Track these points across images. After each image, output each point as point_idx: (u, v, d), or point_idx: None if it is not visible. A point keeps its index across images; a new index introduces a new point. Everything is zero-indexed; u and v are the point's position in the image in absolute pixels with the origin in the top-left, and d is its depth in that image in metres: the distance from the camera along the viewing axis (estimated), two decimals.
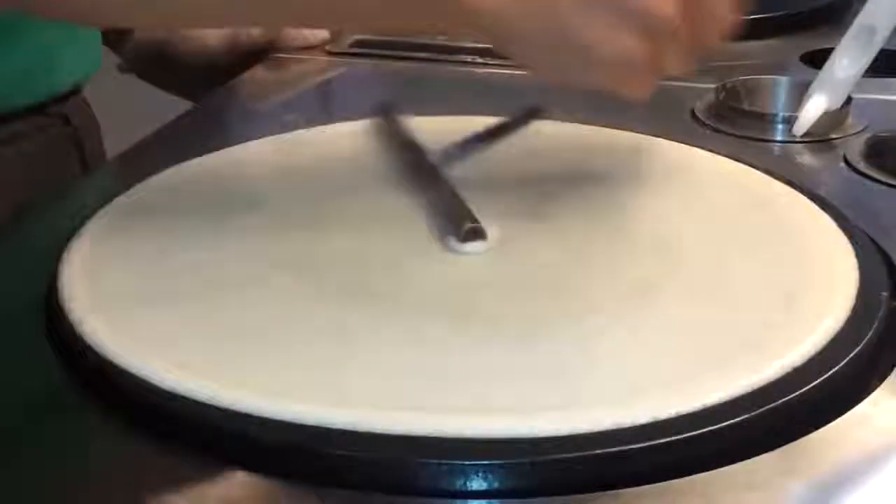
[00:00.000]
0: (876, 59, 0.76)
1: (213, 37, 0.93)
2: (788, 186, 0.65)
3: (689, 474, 0.44)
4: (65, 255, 0.58)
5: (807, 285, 0.55)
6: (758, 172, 0.67)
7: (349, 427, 0.45)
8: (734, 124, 0.78)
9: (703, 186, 0.66)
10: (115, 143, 0.86)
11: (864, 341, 0.51)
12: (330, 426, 0.45)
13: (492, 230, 0.58)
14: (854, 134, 0.76)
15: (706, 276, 0.56)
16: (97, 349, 0.50)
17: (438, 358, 0.49)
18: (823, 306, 0.53)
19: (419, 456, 0.44)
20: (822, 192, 0.64)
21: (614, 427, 0.44)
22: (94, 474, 0.46)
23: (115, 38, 0.95)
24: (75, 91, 0.84)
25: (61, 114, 0.82)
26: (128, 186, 0.66)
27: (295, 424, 0.45)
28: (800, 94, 0.78)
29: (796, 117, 0.76)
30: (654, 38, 0.51)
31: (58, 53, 0.79)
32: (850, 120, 0.78)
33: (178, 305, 0.53)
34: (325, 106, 0.90)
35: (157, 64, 0.96)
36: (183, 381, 0.47)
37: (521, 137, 0.72)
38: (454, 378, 0.48)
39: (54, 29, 0.78)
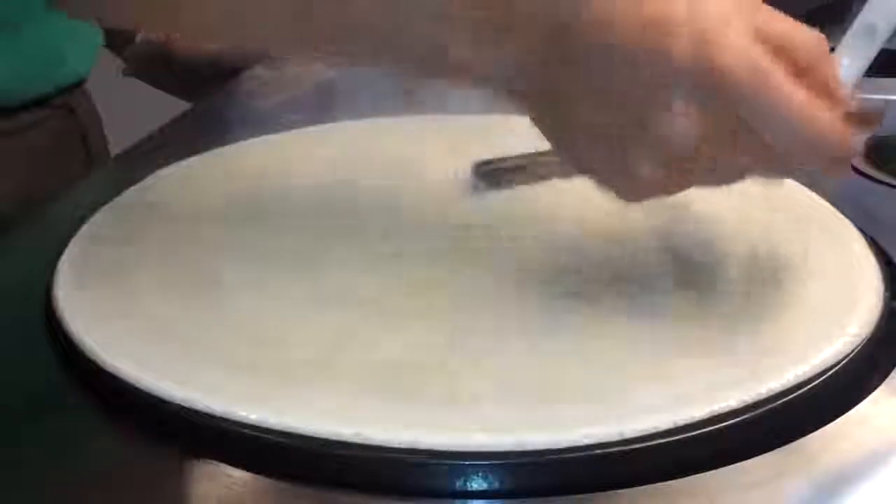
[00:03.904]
0: (876, 59, 0.76)
1: None
2: (794, 185, 0.65)
3: (689, 474, 0.44)
4: (63, 256, 0.58)
5: (805, 285, 0.55)
6: None
7: (350, 430, 0.45)
8: None
9: None
10: (118, 136, 0.87)
11: (864, 341, 0.51)
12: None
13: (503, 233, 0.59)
14: (854, 134, 0.76)
15: (705, 277, 0.56)
16: (90, 353, 0.50)
17: (439, 361, 0.49)
18: (824, 307, 0.53)
19: (419, 456, 0.44)
20: (821, 192, 0.64)
21: (615, 428, 0.44)
22: (93, 474, 0.46)
23: (117, 42, 0.95)
24: (79, 83, 0.85)
25: (66, 105, 0.83)
26: (127, 186, 0.66)
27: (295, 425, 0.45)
28: None
29: None
30: (671, 168, 0.47)
31: (63, 47, 0.80)
32: None
33: (174, 307, 0.53)
34: (325, 106, 0.90)
35: (157, 64, 0.96)
36: (180, 385, 0.47)
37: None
38: (455, 381, 0.48)
39: (59, 22, 0.78)
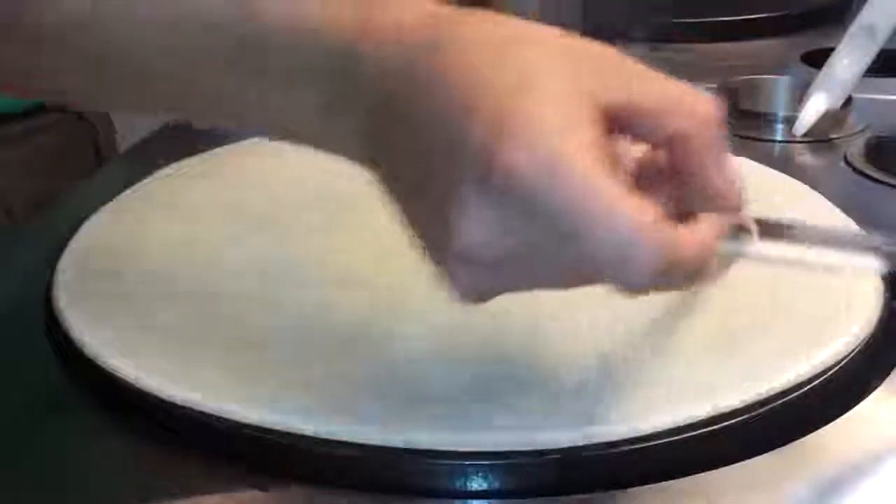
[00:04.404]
0: (876, 59, 0.76)
1: None
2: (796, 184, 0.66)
3: (689, 474, 0.44)
4: (63, 256, 0.58)
5: (805, 287, 0.55)
6: (766, 168, 0.68)
7: (349, 429, 0.45)
8: (734, 124, 0.78)
9: None
10: (128, 137, 0.87)
11: (864, 341, 0.51)
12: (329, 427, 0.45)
13: None
14: (854, 134, 0.76)
15: None
16: (90, 353, 0.50)
17: (439, 361, 0.49)
18: (824, 307, 0.53)
19: (419, 456, 0.44)
20: (822, 192, 0.64)
21: (615, 428, 0.44)
22: (93, 474, 0.46)
23: None
24: None
25: (76, 110, 0.83)
26: (127, 186, 0.66)
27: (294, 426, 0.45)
28: (800, 94, 0.78)
29: (796, 117, 0.76)
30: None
31: None
32: (850, 120, 0.78)
33: (174, 307, 0.53)
34: None
35: None
36: (180, 385, 0.47)
37: None
38: (455, 381, 0.48)
39: None
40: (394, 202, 0.42)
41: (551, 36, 0.40)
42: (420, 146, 0.39)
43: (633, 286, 0.39)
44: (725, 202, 0.41)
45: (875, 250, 0.46)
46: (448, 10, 0.41)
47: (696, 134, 0.40)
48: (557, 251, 0.38)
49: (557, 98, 0.38)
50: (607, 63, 0.40)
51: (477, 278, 0.40)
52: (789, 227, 0.48)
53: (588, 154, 0.37)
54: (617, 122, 0.39)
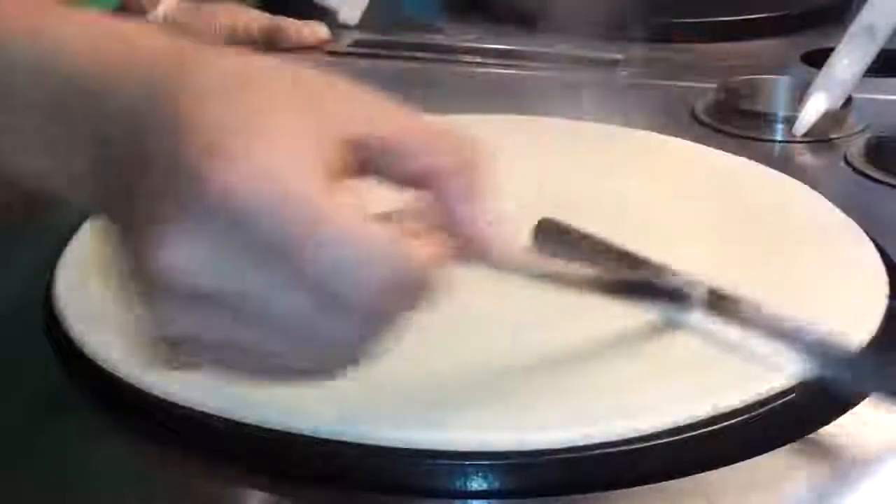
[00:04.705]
0: (876, 59, 0.76)
1: (208, 35, 0.93)
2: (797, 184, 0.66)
3: (690, 474, 0.44)
4: (63, 256, 0.58)
5: (806, 285, 0.55)
6: (766, 168, 0.68)
7: (349, 429, 0.45)
8: (734, 124, 0.78)
9: (712, 183, 0.66)
10: None
11: (864, 341, 0.51)
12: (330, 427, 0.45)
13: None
14: (854, 134, 0.76)
15: (707, 278, 0.56)
16: (90, 353, 0.50)
17: (438, 362, 0.49)
18: (825, 307, 0.53)
19: (419, 456, 0.44)
20: (822, 192, 0.64)
21: (615, 428, 0.44)
22: (93, 474, 0.46)
23: None
24: None
25: None
26: None
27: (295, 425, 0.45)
28: (800, 94, 0.78)
29: (796, 117, 0.76)
30: None
31: None
32: (850, 120, 0.78)
33: None
34: None
35: None
36: (180, 385, 0.47)
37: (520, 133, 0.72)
38: (455, 382, 0.48)
39: None
40: (115, 241, 0.39)
41: (291, 72, 0.39)
42: (145, 183, 0.36)
43: (362, 304, 0.35)
44: (471, 244, 0.39)
45: (814, 352, 0.46)
46: (182, 45, 0.39)
47: (444, 171, 0.38)
48: (275, 282, 0.35)
49: (288, 129, 0.36)
50: (351, 98, 0.39)
51: (186, 314, 0.36)
52: (737, 302, 0.48)
53: (316, 181, 0.35)
54: (362, 157, 0.37)
